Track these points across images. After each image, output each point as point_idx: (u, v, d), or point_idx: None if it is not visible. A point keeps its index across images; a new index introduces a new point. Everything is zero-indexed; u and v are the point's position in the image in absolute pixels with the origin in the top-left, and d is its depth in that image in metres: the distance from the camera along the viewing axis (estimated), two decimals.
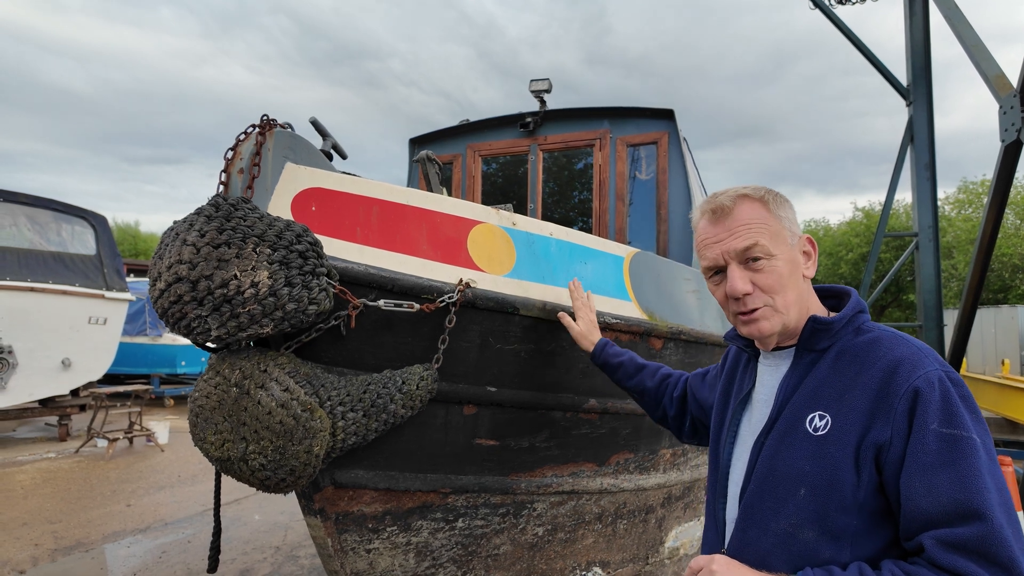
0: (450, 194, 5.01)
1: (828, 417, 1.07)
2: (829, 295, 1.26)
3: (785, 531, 1.09)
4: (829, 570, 1.00)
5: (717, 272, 1.21)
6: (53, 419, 9.18)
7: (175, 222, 1.80)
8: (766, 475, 1.13)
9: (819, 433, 1.07)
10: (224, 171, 1.96)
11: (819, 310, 1.21)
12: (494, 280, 2.27)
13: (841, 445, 1.04)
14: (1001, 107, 5.84)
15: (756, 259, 1.15)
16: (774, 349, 1.24)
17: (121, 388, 9.46)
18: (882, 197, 10.79)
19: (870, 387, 1.05)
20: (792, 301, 1.16)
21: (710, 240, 1.20)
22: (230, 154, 1.97)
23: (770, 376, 1.24)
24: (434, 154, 3.06)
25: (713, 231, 1.19)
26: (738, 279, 1.15)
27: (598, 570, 2.98)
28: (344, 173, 2.12)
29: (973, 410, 1.00)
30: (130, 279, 11.72)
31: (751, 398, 1.27)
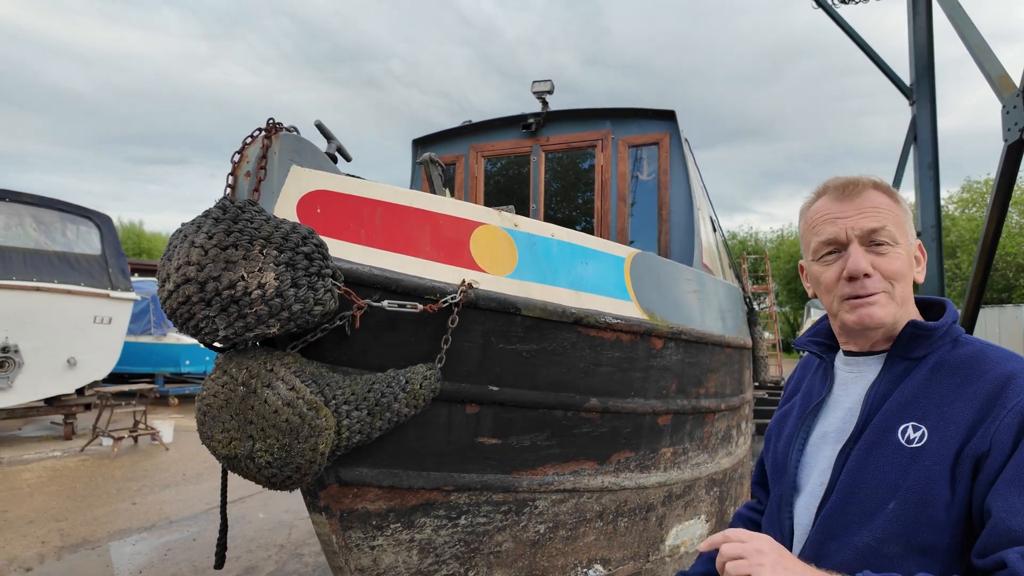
0: (453, 195, 5.04)
1: (924, 429, 1.01)
2: (924, 306, 1.20)
3: (868, 545, 1.03)
4: None
5: (833, 251, 1.13)
6: (58, 418, 9.23)
7: (183, 224, 1.83)
8: (852, 487, 1.07)
9: (913, 445, 1.01)
10: (231, 174, 1.99)
11: (917, 317, 1.15)
12: (496, 281, 2.30)
13: (938, 459, 0.98)
14: (1004, 107, 5.84)
15: (881, 243, 1.09)
16: (858, 354, 1.18)
17: (126, 387, 9.51)
18: None
19: (976, 400, 0.99)
20: (907, 295, 1.12)
21: (833, 215, 1.13)
22: (237, 157, 2.00)
23: (854, 383, 1.17)
24: (437, 156, 3.09)
25: (838, 207, 1.13)
26: (861, 258, 1.08)
27: (599, 567, 3.01)
28: (348, 175, 2.15)
29: None
30: (135, 278, 11.77)
31: (825, 404, 1.21)
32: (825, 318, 1.28)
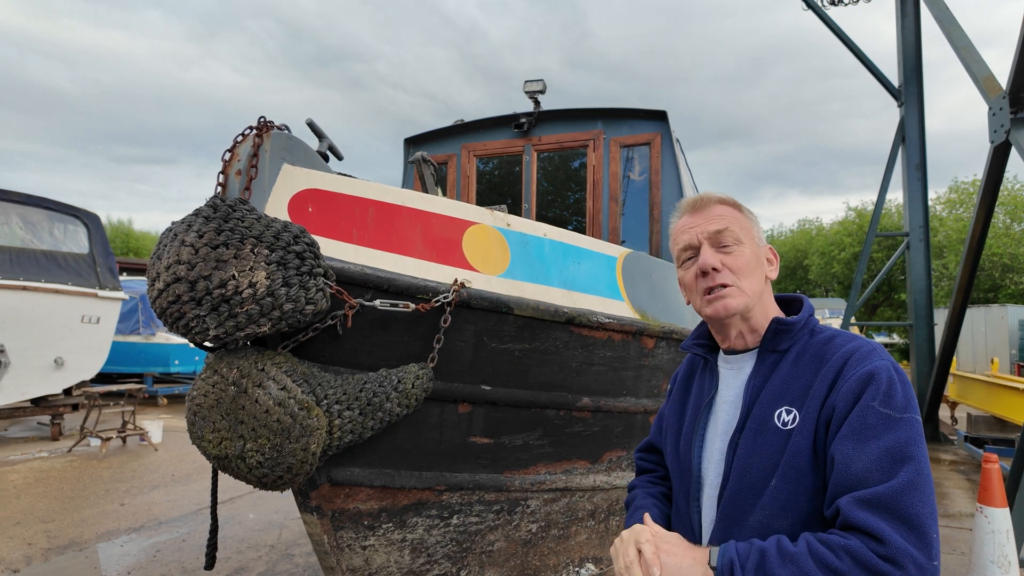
0: (445, 194, 5.03)
1: (795, 411, 1.15)
2: (783, 302, 1.37)
3: (761, 523, 1.14)
4: (750, 542, 1.06)
5: (691, 256, 1.30)
6: (45, 418, 9.14)
7: (173, 223, 1.82)
8: (743, 473, 1.18)
9: (788, 427, 1.15)
10: (222, 172, 1.98)
11: (779, 314, 1.31)
12: (488, 280, 2.30)
13: (805, 434, 1.12)
14: (990, 109, 5.90)
15: (726, 244, 1.26)
16: (735, 352, 1.31)
17: (114, 387, 9.42)
18: (871, 197, 10.84)
19: (828, 377, 1.14)
20: (756, 290, 1.26)
21: (687, 226, 1.30)
22: (227, 155, 1.98)
23: (734, 378, 1.31)
24: (429, 155, 3.09)
25: (691, 219, 1.31)
26: (710, 255, 1.25)
27: (591, 566, 3.01)
28: (340, 174, 2.15)
29: (911, 398, 1.10)
30: (123, 277, 11.66)
31: (714, 401, 1.33)
32: (704, 322, 1.42)
